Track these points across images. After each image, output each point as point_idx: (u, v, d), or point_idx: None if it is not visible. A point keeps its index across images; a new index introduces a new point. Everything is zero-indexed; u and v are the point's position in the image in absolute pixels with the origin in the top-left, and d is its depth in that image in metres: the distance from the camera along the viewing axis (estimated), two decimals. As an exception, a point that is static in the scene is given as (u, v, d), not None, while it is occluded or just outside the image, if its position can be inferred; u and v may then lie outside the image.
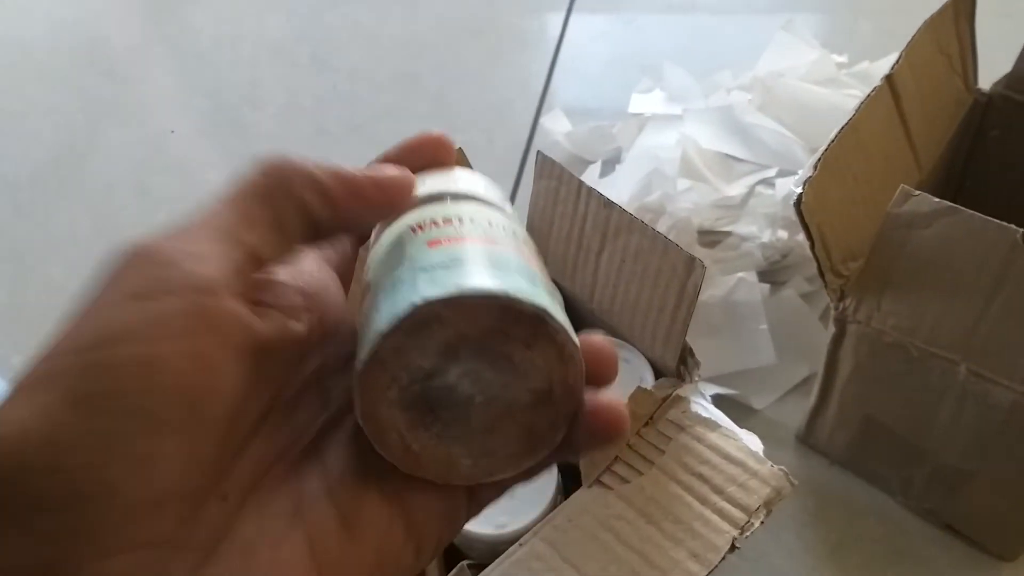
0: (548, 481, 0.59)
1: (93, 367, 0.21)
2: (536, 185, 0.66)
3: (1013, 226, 0.54)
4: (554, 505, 0.57)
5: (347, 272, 0.33)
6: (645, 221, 0.59)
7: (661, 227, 0.87)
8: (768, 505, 0.52)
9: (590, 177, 1.01)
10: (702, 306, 0.81)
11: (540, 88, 1.23)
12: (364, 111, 1.22)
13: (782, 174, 0.95)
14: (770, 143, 0.98)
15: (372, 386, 0.26)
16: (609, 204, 0.60)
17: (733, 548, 0.51)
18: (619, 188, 0.95)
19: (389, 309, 0.25)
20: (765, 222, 0.89)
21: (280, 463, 0.27)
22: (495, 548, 0.55)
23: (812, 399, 0.74)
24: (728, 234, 0.90)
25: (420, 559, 0.28)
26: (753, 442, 0.56)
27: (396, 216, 0.30)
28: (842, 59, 1.07)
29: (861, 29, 1.25)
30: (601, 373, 0.28)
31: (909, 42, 0.68)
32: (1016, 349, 0.57)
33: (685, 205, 0.90)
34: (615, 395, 0.28)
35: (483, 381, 0.26)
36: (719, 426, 0.56)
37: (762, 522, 0.52)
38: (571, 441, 0.28)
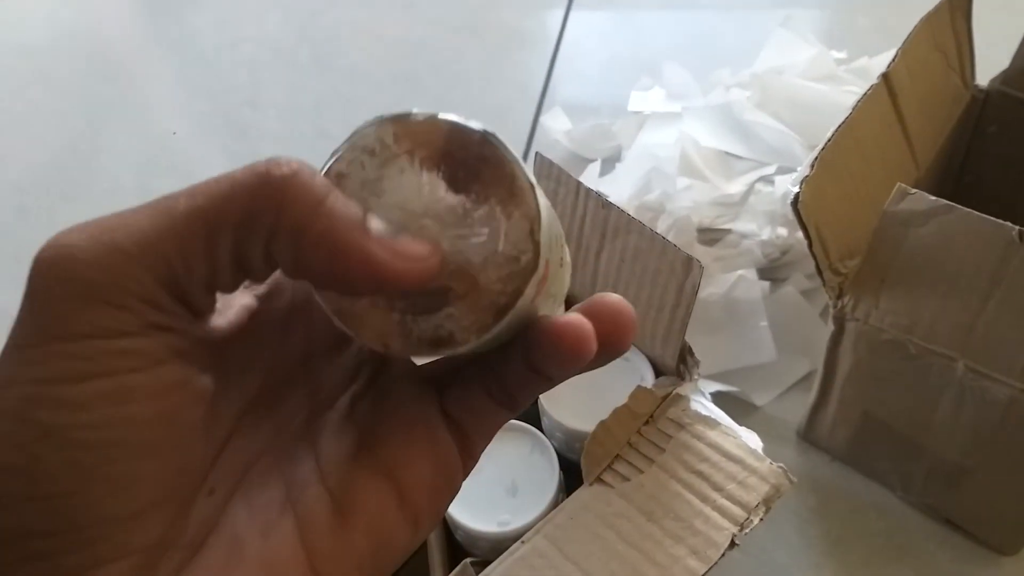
0: (550, 479, 0.59)
1: (62, 402, 0.21)
2: (536, 185, 0.66)
3: (1009, 223, 0.55)
4: (556, 503, 0.58)
5: None
6: (645, 219, 0.59)
7: (661, 225, 0.88)
8: (767, 502, 0.53)
9: (590, 176, 1.01)
10: (702, 304, 0.82)
11: (540, 87, 1.24)
12: (365, 111, 1.20)
13: (781, 171, 0.95)
14: (769, 140, 0.98)
15: None
16: (607, 204, 0.60)
17: (733, 545, 0.52)
18: (619, 186, 0.96)
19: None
20: (765, 219, 0.90)
21: (269, 452, 0.27)
22: (498, 545, 0.55)
23: (812, 396, 0.74)
24: (728, 232, 0.90)
25: (419, 533, 0.27)
26: (753, 439, 0.56)
27: None
28: (841, 55, 1.07)
29: (859, 25, 1.25)
30: (615, 335, 0.25)
31: (906, 39, 0.68)
32: (1013, 345, 0.57)
33: (685, 203, 0.90)
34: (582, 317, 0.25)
35: (432, 231, 0.24)
36: (719, 424, 0.56)
37: (761, 519, 0.52)
38: (532, 344, 0.25)
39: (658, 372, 0.63)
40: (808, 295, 0.87)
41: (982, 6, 0.76)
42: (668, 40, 1.30)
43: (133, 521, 0.22)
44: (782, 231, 0.88)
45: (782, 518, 0.74)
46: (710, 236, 0.91)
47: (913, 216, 0.58)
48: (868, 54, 1.05)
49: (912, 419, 0.67)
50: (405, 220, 0.24)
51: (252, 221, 0.22)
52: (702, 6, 1.36)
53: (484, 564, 0.53)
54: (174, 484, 0.23)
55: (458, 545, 0.61)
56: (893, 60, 0.67)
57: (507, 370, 0.27)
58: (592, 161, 1.05)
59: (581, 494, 0.56)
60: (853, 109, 0.63)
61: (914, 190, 0.58)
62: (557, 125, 1.12)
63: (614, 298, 0.26)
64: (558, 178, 0.63)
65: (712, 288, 0.84)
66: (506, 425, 0.62)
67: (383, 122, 0.25)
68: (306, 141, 1.18)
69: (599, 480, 0.56)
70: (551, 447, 0.61)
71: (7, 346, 0.21)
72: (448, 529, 0.62)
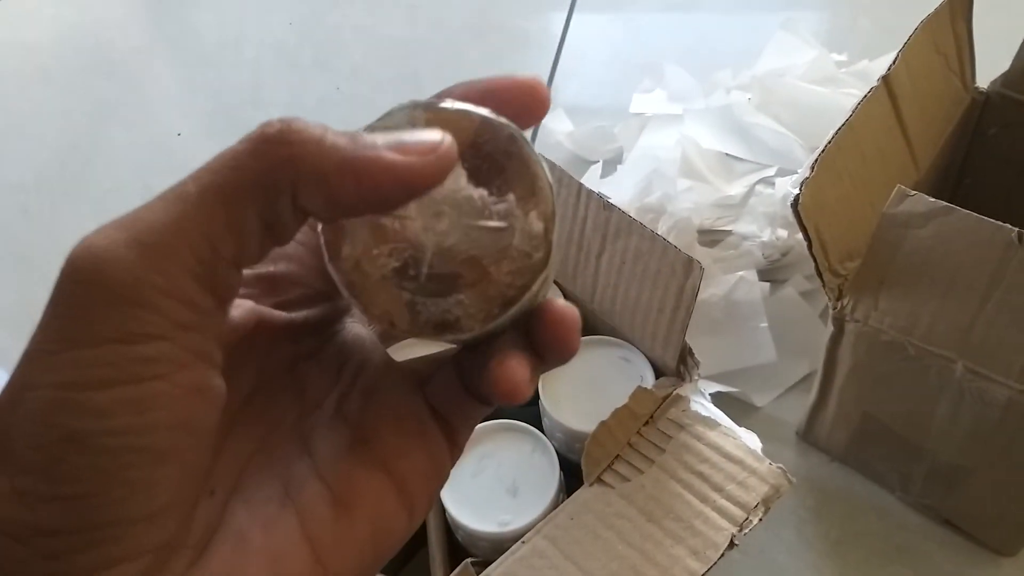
0: (550, 480, 0.60)
1: (86, 408, 0.21)
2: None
3: (1008, 225, 0.55)
4: (556, 503, 0.58)
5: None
6: (646, 221, 0.59)
7: (662, 227, 0.88)
8: (767, 502, 0.53)
9: (592, 177, 1.02)
10: (703, 305, 0.82)
11: (542, 88, 1.24)
12: (366, 112, 1.20)
13: (782, 173, 0.96)
14: (770, 142, 0.98)
15: None
16: (609, 206, 0.61)
17: (732, 545, 0.52)
18: (620, 188, 0.96)
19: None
20: (765, 221, 0.90)
21: (261, 453, 0.27)
22: (498, 546, 0.56)
23: (812, 397, 0.75)
24: (728, 233, 0.90)
25: (413, 521, 0.28)
26: (752, 440, 0.56)
27: None
28: (841, 57, 1.07)
29: (860, 27, 1.25)
30: (562, 339, 0.26)
31: (906, 42, 0.68)
32: (1012, 347, 0.58)
33: (685, 205, 0.90)
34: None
35: (450, 218, 0.25)
36: (719, 425, 0.57)
37: (761, 519, 0.53)
38: (538, 326, 0.26)
39: (658, 373, 0.63)
40: (808, 296, 0.87)
41: (982, 8, 0.76)
42: (669, 42, 1.30)
43: (147, 523, 0.22)
44: (782, 233, 0.88)
45: (781, 519, 0.74)
46: (711, 238, 0.91)
47: (912, 218, 0.58)
48: (868, 56, 1.05)
49: (911, 420, 0.68)
50: (425, 203, 0.25)
51: (269, 181, 0.22)
52: (703, 9, 1.36)
53: (484, 564, 0.54)
54: (186, 487, 0.23)
55: (459, 545, 0.62)
56: (893, 62, 0.67)
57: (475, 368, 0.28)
58: (593, 163, 1.05)
59: (581, 494, 0.56)
60: (853, 111, 0.64)
61: (914, 192, 0.58)
62: (559, 127, 1.12)
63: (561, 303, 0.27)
64: (559, 179, 0.64)
65: (712, 289, 0.84)
66: (507, 425, 0.63)
67: (416, 107, 0.25)
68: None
69: (599, 480, 0.56)
70: (551, 448, 0.61)
71: (32, 348, 0.22)
72: (449, 529, 0.62)
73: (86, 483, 0.21)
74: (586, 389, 0.64)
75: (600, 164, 1.04)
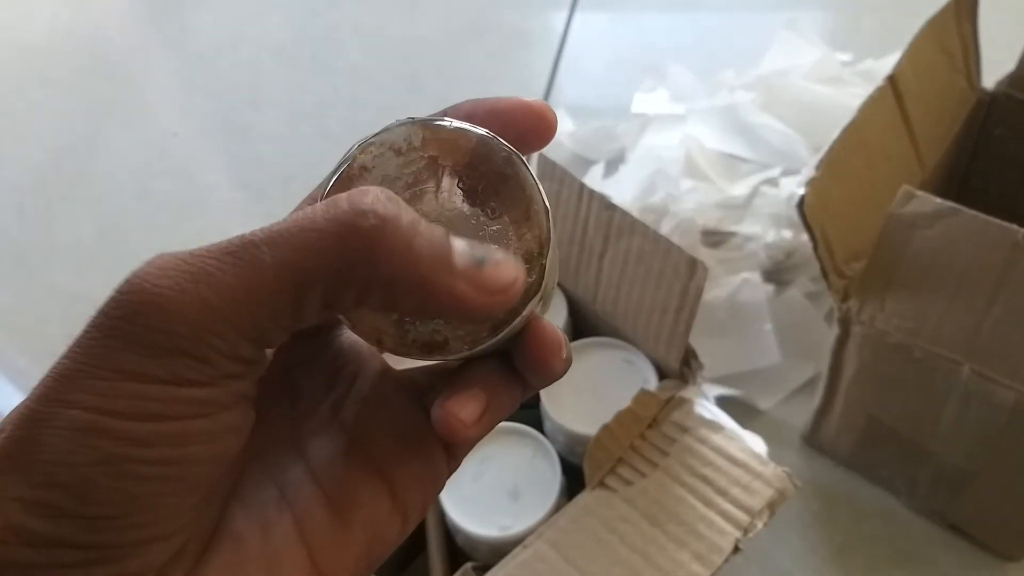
0: (552, 483, 0.59)
1: (126, 436, 0.21)
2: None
3: (1015, 226, 0.54)
4: (558, 507, 0.57)
5: None
6: (649, 221, 0.59)
7: (665, 227, 0.87)
8: (771, 507, 0.53)
9: (594, 177, 1.01)
10: (706, 306, 0.81)
11: (543, 88, 1.23)
12: (366, 112, 1.22)
13: (786, 173, 0.95)
14: (774, 142, 0.98)
15: (327, 196, 0.24)
16: (611, 206, 0.60)
17: (736, 550, 0.51)
18: (623, 188, 0.95)
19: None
20: (769, 222, 0.89)
21: (257, 459, 0.27)
22: (499, 550, 0.55)
23: (817, 400, 0.74)
24: (732, 234, 0.90)
25: (406, 528, 0.28)
26: (757, 444, 0.56)
27: None
28: (846, 57, 1.07)
29: (864, 26, 1.25)
30: (544, 362, 0.27)
31: (911, 42, 0.68)
32: (1019, 349, 0.57)
33: (689, 205, 0.90)
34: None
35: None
36: (722, 428, 0.56)
37: (765, 524, 0.52)
38: (521, 349, 0.27)
39: (661, 375, 0.63)
40: (813, 298, 0.87)
41: (987, 9, 0.75)
42: (672, 42, 1.29)
43: (165, 541, 0.23)
44: (787, 233, 0.88)
45: (786, 523, 0.73)
46: (714, 238, 0.90)
47: (918, 218, 0.58)
48: (873, 56, 1.05)
49: (917, 423, 0.67)
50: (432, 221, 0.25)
51: (344, 275, 0.22)
52: (707, 8, 1.36)
53: (485, 569, 0.53)
54: (203, 508, 0.24)
55: (459, 550, 0.61)
56: (899, 62, 0.67)
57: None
58: (596, 163, 1.05)
59: (583, 498, 0.55)
60: (858, 111, 0.63)
61: (919, 192, 0.57)
62: (561, 127, 1.10)
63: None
64: (561, 180, 0.63)
65: (716, 291, 0.83)
66: (507, 428, 0.62)
67: (414, 124, 0.25)
68: (307, 142, 1.18)
69: (602, 484, 0.55)
70: (553, 451, 0.61)
71: (67, 367, 0.22)
72: (449, 533, 0.61)
73: (115, 506, 0.21)
74: (588, 391, 0.63)
75: (602, 164, 1.04)
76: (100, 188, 1.17)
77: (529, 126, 0.27)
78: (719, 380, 0.82)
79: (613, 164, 1.04)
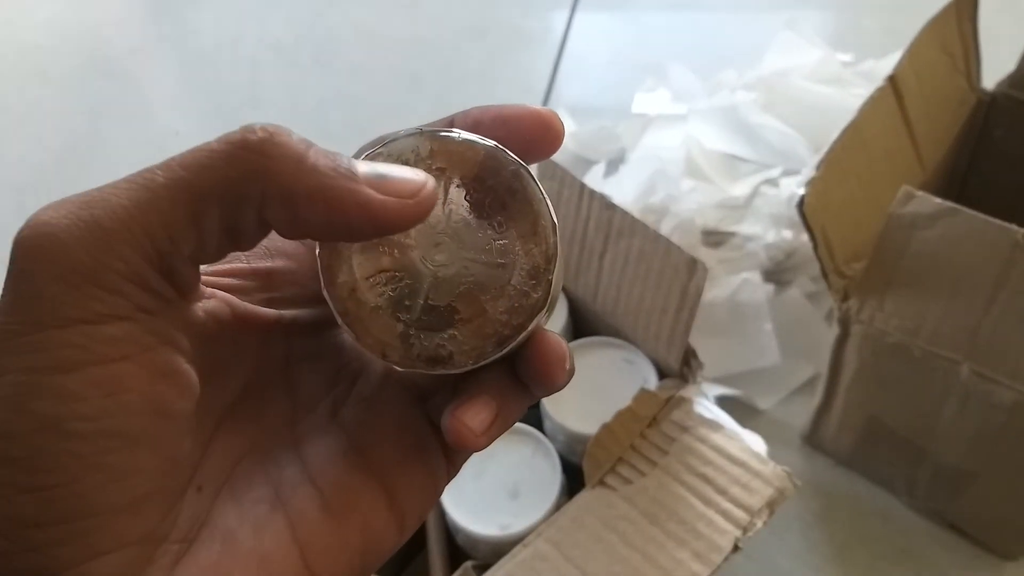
0: (552, 482, 0.59)
1: (58, 392, 0.21)
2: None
3: (1014, 226, 0.54)
4: (558, 506, 0.57)
5: None
6: (649, 221, 0.59)
7: (665, 227, 0.87)
8: (771, 506, 0.53)
9: (594, 177, 1.01)
10: (707, 306, 0.82)
11: (544, 88, 1.23)
12: (366, 112, 1.22)
13: (786, 174, 0.95)
14: (774, 142, 0.98)
15: None
16: (611, 206, 0.60)
17: (736, 548, 0.51)
18: (623, 188, 0.95)
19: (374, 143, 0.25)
20: (769, 222, 0.89)
21: (252, 453, 0.27)
22: (499, 549, 0.55)
23: (816, 400, 0.74)
24: (732, 234, 0.90)
25: (403, 535, 0.28)
26: (756, 443, 0.56)
27: None
28: (847, 57, 1.07)
29: (865, 26, 1.25)
30: (548, 374, 0.26)
31: (911, 42, 0.68)
32: (1018, 349, 0.57)
33: (689, 205, 0.90)
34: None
35: (449, 249, 0.25)
36: (722, 427, 0.56)
37: (765, 522, 0.52)
38: (524, 359, 0.26)
39: (661, 374, 0.63)
40: (813, 298, 0.87)
41: (988, 9, 0.75)
42: (673, 42, 1.29)
43: (128, 512, 0.22)
44: (787, 234, 0.88)
45: (785, 522, 0.73)
46: (715, 238, 0.90)
47: (918, 219, 0.58)
48: (874, 56, 1.05)
49: (916, 423, 0.67)
50: (424, 232, 0.25)
51: (238, 189, 0.22)
52: (707, 8, 1.36)
53: (485, 567, 0.53)
54: (166, 476, 0.23)
55: (459, 548, 0.61)
56: (899, 63, 0.67)
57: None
58: (596, 163, 1.05)
59: (583, 497, 0.55)
60: (859, 111, 0.63)
61: (919, 192, 0.57)
62: (561, 127, 1.11)
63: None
64: (562, 180, 0.63)
65: (716, 291, 0.83)
66: (508, 427, 0.62)
67: (422, 135, 0.25)
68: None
69: (601, 483, 0.55)
70: (553, 450, 0.61)
71: None
72: (449, 532, 0.61)
73: (63, 471, 0.21)
74: (588, 391, 0.63)
75: (603, 164, 1.04)
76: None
77: (537, 134, 0.27)
78: (719, 380, 0.82)
79: (614, 164, 1.04)
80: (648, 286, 0.59)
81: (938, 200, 0.57)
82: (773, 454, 0.55)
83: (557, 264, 0.25)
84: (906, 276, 0.60)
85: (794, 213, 0.61)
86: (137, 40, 1.47)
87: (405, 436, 0.28)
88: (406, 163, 0.25)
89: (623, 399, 0.57)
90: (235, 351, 0.27)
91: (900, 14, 0.85)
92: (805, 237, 0.61)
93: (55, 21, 1.49)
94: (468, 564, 0.56)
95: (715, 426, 0.56)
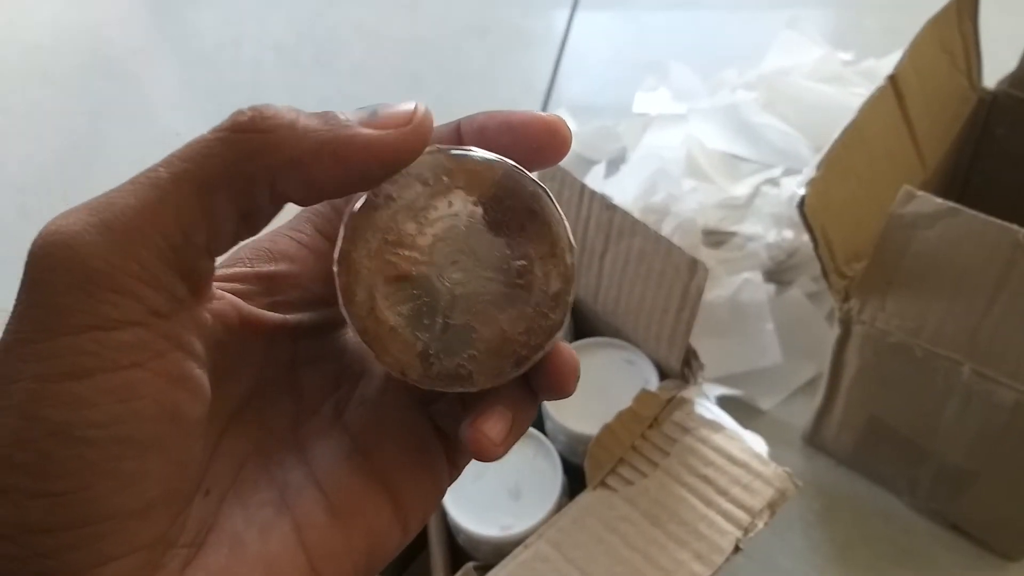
0: (553, 483, 0.59)
1: (69, 399, 0.21)
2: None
3: (1015, 226, 0.54)
4: (559, 507, 0.57)
5: (328, 227, 0.29)
6: (650, 221, 0.59)
7: (666, 227, 0.87)
8: (772, 506, 0.52)
9: (595, 177, 1.01)
10: (708, 306, 0.81)
11: (544, 87, 1.23)
12: None
13: (788, 173, 0.95)
14: (775, 142, 0.98)
15: (360, 227, 0.25)
16: (611, 206, 0.60)
17: (737, 549, 0.51)
18: (624, 188, 0.95)
19: None
20: (771, 222, 0.89)
21: (257, 456, 0.27)
22: (501, 550, 0.55)
23: (818, 400, 0.74)
24: (733, 234, 0.90)
25: (407, 536, 0.28)
26: (758, 443, 0.56)
27: None
28: (847, 56, 1.07)
29: (866, 25, 1.25)
30: (561, 385, 0.27)
31: (912, 41, 0.68)
32: (1019, 349, 0.57)
33: (690, 205, 0.90)
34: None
35: (466, 268, 0.25)
36: (723, 428, 0.56)
37: (766, 523, 0.52)
38: (539, 371, 0.27)
39: (663, 375, 0.63)
40: (814, 298, 0.87)
41: (988, 8, 0.75)
42: (674, 41, 1.29)
43: (138, 517, 0.22)
44: (788, 233, 0.88)
45: (787, 523, 0.73)
46: (716, 238, 0.90)
47: (919, 218, 0.58)
48: (875, 55, 1.04)
49: (918, 423, 0.67)
50: (441, 249, 0.25)
51: (244, 169, 0.22)
52: (708, 7, 1.36)
53: (486, 568, 0.53)
54: (176, 481, 0.23)
55: (460, 549, 0.61)
56: (900, 62, 0.66)
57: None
58: (597, 162, 1.04)
59: (584, 498, 0.55)
60: (859, 111, 0.63)
61: (920, 192, 0.57)
62: (562, 126, 1.11)
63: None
64: (562, 180, 0.63)
65: (717, 291, 0.83)
66: (509, 428, 0.62)
67: (440, 152, 0.25)
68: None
69: (603, 484, 0.55)
70: (554, 451, 0.61)
71: (9, 339, 0.21)
72: (450, 533, 0.61)
73: (74, 477, 0.21)
74: (589, 391, 0.63)
75: (603, 164, 1.04)
76: (102, 188, 1.15)
77: (544, 141, 0.26)
78: (720, 380, 0.81)
79: (614, 164, 1.04)
80: (649, 286, 0.59)
81: (939, 200, 0.57)
82: (774, 454, 0.55)
83: (574, 286, 0.26)
84: (907, 276, 0.60)
85: (795, 213, 0.61)
86: (138, 40, 1.47)
87: (409, 439, 0.28)
88: (425, 183, 0.25)
89: (624, 400, 0.57)
90: (242, 355, 0.27)
91: (901, 13, 0.85)
92: (806, 237, 0.61)
93: (56, 21, 1.49)
94: (469, 565, 0.56)
95: (716, 427, 0.56)
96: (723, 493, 0.53)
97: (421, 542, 0.64)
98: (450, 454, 0.29)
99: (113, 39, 1.46)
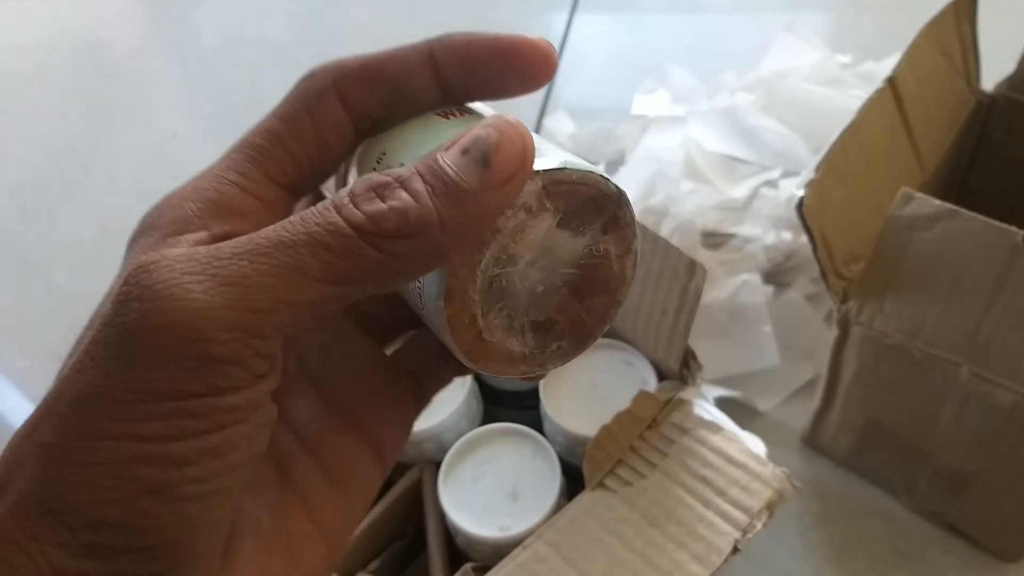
0: (551, 484, 0.59)
1: (168, 459, 0.21)
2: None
3: (1014, 228, 0.54)
4: (557, 508, 0.57)
5: (274, 166, 0.28)
6: (649, 223, 0.59)
7: (665, 229, 0.87)
8: (770, 507, 0.52)
9: (593, 179, 1.01)
10: (706, 308, 0.81)
11: (543, 89, 1.23)
12: None
13: (786, 175, 0.95)
14: (774, 144, 0.98)
15: (466, 264, 0.24)
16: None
17: (735, 550, 0.51)
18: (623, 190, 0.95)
19: None
20: (769, 224, 0.89)
21: None
22: (499, 551, 0.55)
23: (816, 401, 0.74)
24: (732, 236, 0.90)
25: (384, 477, 0.29)
26: (756, 444, 0.56)
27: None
28: (846, 59, 1.07)
29: (865, 28, 1.25)
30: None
31: (910, 44, 0.68)
32: (1018, 351, 0.57)
33: (689, 207, 0.90)
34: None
35: (547, 268, 0.26)
36: (721, 429, 0.56)
37: (764, 524, 0.52)
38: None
39: (661, 376, 0.63)
40: (812, 300, 0.87)
41: (987, 11, 0.75)
42: (673, 43, 1.29)
43: (215, 551, 0.23)
44: (786, 235, 0.88)
45: (785, 524, 0.73)
46: (714, 240, 0.90)
47: (918, 220, 0.58)
48: (874, 58, 1.05)
49: (916, 424, 0.67)
50: (531, 256, 0.25)
51: (391, 268, 0.22)
52: (707, 9, 1.36)
53: (485, 569, 0.53)
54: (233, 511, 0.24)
55: (458, 550, 0.61)
56: (898, 64, 0.66)
57: None
58: (596, 164, 1.04)
59: (583, 499, 0.55)
60: (858, 113, 0.63)
61: (919, 194, 0.57)
62: (561, 128, 1.11)
63: None
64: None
65: (716, 292, 0.83)
66: (507, 429, 0.62)
67: (539, 176, 0.24)
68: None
69: (601, 485, 0.55)
70: (553, 452, 0.61)
71: (89, 393, 0.21)
72: (448, 534, 0.61)
73: (168, 531, 0.21)
74: (588, 393, 0.63)
75: (603, 166, 1.04)
76: (101, 189, 1.17)
77: (537, 66, 0.27)
78: (719, 381, 0.82)
79: (613, 166, 1.04)
80: (647, 288, 0.59)
81: (937, 202, 0.57)
82: (773, 455, 0.55)
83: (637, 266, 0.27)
84: (905, 278, 0.60)
85: (793, 215, 0.61)
86: (137, 41, 1.47)
87: (377, 385, 0.29)
88: (529, 211, 0.24)
89: (622, 401, 0.57)
90: None
91: (899, 15, 0.85)
92: (804, 239, 0.61)
93: (55, 22, 1.49)
94: (468, 566, 0.56)
95: (714, 428, 0.56)
96: (721, 494, 0.53)
97: (420, 543, 0.64)
98: (417, 395, 0.30)
99: (112, 40, 1.46)
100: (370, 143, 0.28)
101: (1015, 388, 0.58)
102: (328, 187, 0.29)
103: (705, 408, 0.58)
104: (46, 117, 1.31)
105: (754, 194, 0.93)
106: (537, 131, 1.15)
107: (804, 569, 0.72)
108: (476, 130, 0.22)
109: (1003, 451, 0.63)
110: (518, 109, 1.18)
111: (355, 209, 0.21)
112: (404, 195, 0.22)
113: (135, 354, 0.20)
